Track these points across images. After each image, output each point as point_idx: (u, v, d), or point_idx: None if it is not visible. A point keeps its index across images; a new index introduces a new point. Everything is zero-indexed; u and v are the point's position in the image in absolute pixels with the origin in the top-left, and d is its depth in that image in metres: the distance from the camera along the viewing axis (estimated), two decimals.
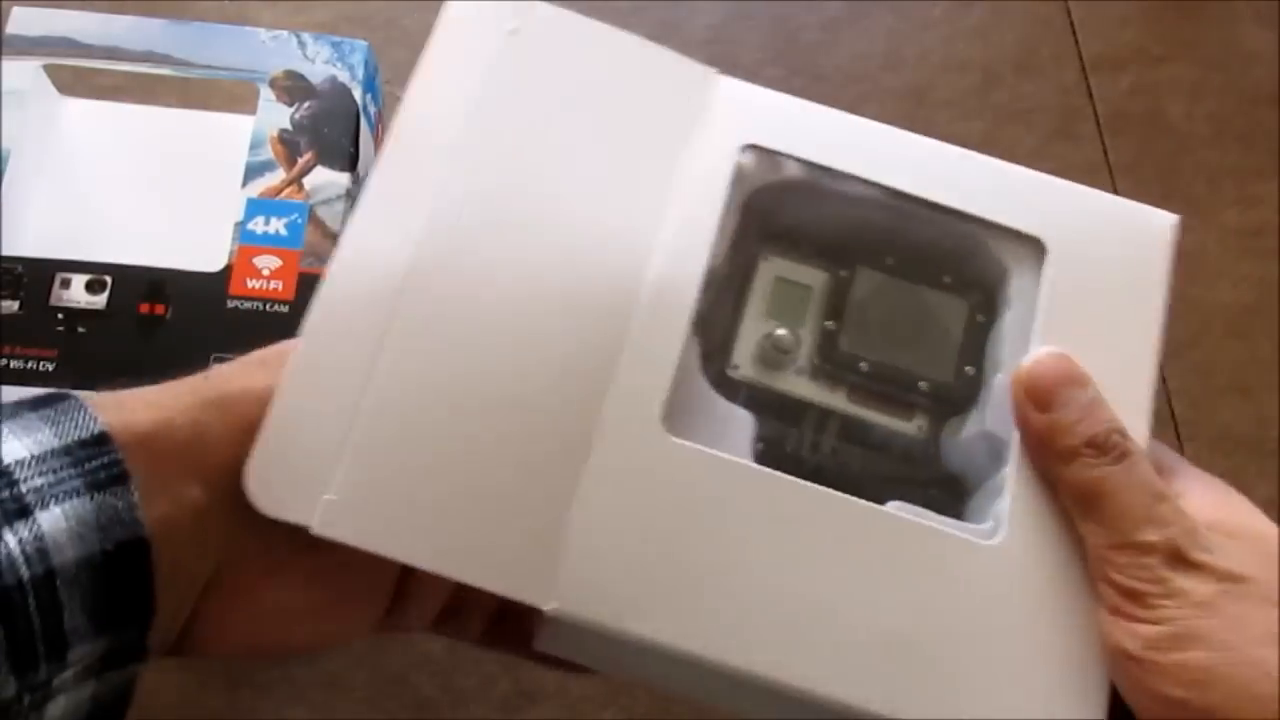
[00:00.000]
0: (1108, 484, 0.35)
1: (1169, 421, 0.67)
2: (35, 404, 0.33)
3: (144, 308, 0.54)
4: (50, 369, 0.52)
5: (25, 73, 0.58)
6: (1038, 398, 0.37)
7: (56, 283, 0.54)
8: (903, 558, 0.36)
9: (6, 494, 0.30)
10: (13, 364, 0.52)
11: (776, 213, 0.43)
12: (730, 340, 0.41)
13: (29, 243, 0.55)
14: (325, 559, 0.36)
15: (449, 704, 0.56)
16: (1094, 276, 0.40)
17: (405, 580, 0.39)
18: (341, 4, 0.70)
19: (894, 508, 0.37)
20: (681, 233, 0.39)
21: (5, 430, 0.31)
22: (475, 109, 0.40)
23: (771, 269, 0.43)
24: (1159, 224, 0.42)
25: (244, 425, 0.34)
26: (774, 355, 0.41)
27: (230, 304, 0.54)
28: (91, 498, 0.31)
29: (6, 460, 0.31)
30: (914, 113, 0.74)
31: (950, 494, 0.40)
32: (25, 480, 0.30)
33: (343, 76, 0.60)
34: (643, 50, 0.42)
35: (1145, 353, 0.40)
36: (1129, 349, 0.40)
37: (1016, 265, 0.41)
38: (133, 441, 0.32)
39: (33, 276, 0.54)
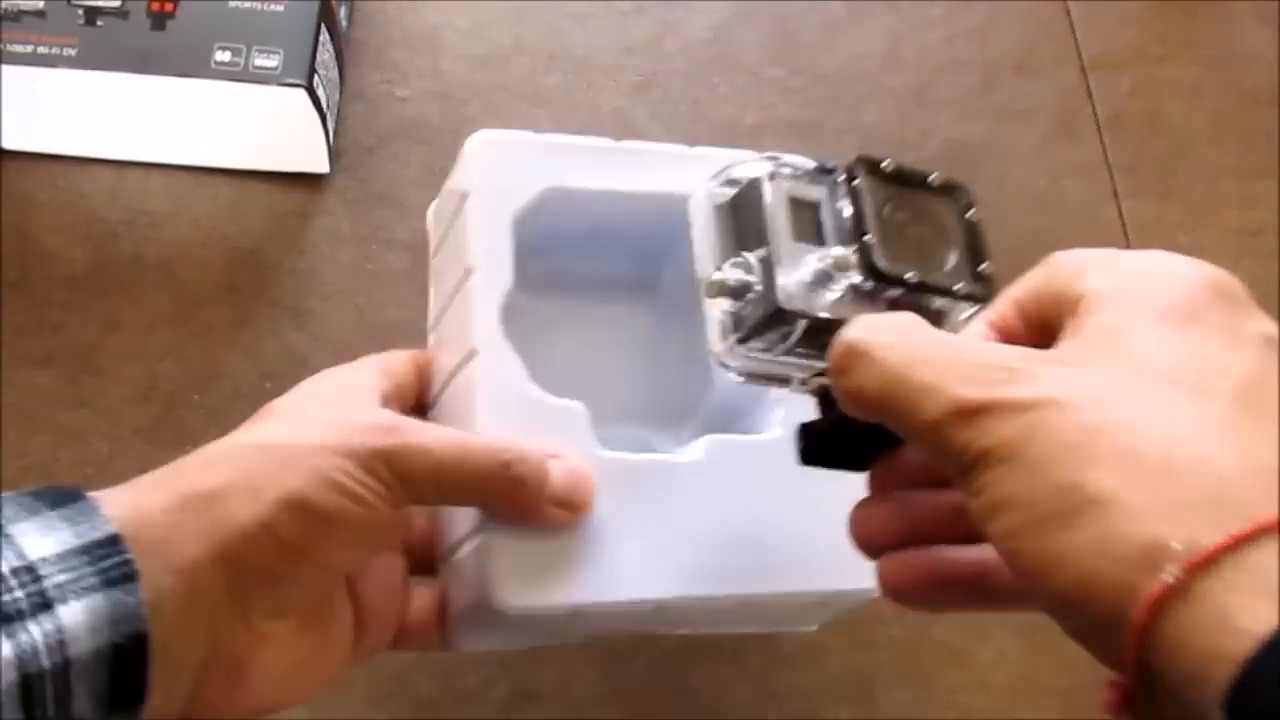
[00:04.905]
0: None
1: None
2: (52, 502, 0.36)
3: (155, 5, 0.62)
4: (73, 54, 0.60)
5: None
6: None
7: None
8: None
9: (34, 588, 0.34)
10: (39, 50, 0.60)
11: None
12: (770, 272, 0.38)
13: None
14: (298, 617, 0.41)
15: (449, 704, 0.56)
16: None
17: (360, 611, 0.44)
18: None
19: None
20: None
21: (29, 526, 0.35)
22: None
23: (779, 190, 0.39)
24: None
25: (210, 526, 0.38)
26: (825, 278, 0.38)
27: (231, 4, 0.62)
28: (105, 595, 0.35)
29: (32, 556, 0.35)
30: (914, 113, 0.74)
31: None
32: (49, 576, 0.34)
33: None
34: None
35: None
36: None
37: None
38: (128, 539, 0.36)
39: None
